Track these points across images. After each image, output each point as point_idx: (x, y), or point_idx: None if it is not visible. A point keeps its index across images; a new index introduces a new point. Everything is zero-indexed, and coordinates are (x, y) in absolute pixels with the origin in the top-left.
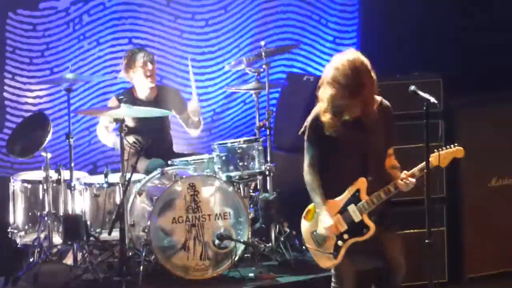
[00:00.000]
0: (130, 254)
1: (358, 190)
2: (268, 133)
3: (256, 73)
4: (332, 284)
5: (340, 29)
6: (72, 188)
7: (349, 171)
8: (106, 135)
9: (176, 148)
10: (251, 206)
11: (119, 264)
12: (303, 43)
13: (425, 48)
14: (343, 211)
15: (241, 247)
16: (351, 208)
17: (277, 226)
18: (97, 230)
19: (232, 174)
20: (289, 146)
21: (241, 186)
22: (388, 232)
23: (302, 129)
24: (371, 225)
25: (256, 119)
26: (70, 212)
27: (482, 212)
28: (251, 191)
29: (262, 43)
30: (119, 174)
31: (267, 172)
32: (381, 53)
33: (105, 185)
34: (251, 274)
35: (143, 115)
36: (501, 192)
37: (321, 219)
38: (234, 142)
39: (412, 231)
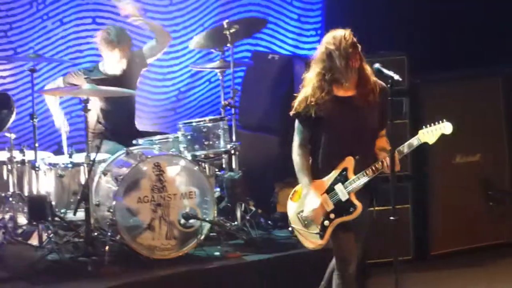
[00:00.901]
0: (96, 234)
1: (345, 169)
2: (233, 112)
3: (221, 52)
4: (336, 278)
5: (304, 7)
6: (37, 169)
7: (337, 150)
8: (59, 114)
9: (141, 127)
10: (217, 185)
11: (84, 244)
12: (268, 21)
13: (390, 26)
14: (330, 190)
15: (206, 226)
16: (338, 187)
17: (243, 205)
18: (62, 211)
19: (198, 153)
20: (254, 125)
21: (206, 165)
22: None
23: (292, 111)
24: (358, 204)
25: (221, 98)
26: (35, 192)
27: (447, 189)
28: (216, 170)
29: (225, 22)
30: (84, 154)
31: (232, 151)
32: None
33: (69, 165)
34: (217, 253)
35: (109, 95)
36: (465, 169)
37: (308, 200)
38: (200, 121)
39: (378, 208)
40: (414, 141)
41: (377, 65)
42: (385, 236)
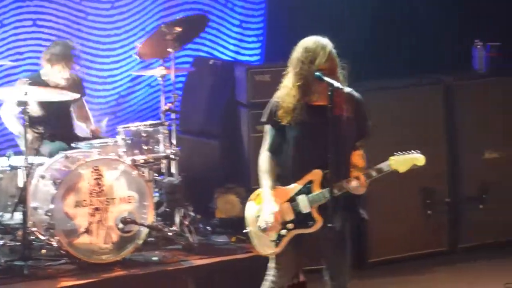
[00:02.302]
0: (33, 237)
1: (311, 182)
2: (173, 117)
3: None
4: (270, 278)
5: (246, 13)
6: None
7: (307, 160)
8: (15, 123)
9: (80, 133)
10: (156, 190)
11: (21, 248)
12: (209, 26)
13: (331, 34)
14: (292, 200)
15: (145, 231)
16: (301, 198)
17: (182, 210)
18: (0, 214)
19: (137, 157)
20: (195, 130)
21: (146, 170)
22: (339, 233)
23: (264, 117)
24: (319, 219)
25: (162, 102)
26: None
27: (385, 197)
28: (156, 175)
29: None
30: (22, 157)
31: (172, 156)
32: (287, 38)
33: (7, 168)
34: (155, 258)
35: (50, 99)
36: (404, 177)
37: (265, 205)
38: (139, 126)
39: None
40: (384, 167)
41: (318, 73)
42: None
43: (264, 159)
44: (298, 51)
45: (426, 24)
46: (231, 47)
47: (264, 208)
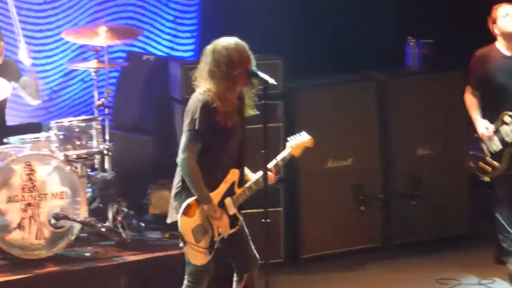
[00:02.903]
0: None
1: (233, 183)
2: (106, 112)
3: (95, 51)
4: (193, 280)
5: (180, 9)
6: None
7: (227, 162)
8: None
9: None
10: (89, 185)
11: None
12: (143, 22)
13: (265, 30)
14: (221, 204)
15: (77, 226)
16: (228, 201)
17: (115, 205)
18: None
19: (70, 153)
20: (128, 126)
21: (78, 165)
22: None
23: (198, 123)
24: (240, 217)
25: (95, 98)
26: None
27: (318, 193)
28: (89, 170)
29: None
30: None
31: (105, 152)
32: (221, 34)
33: None
34: (88, 254)
35: None
36: (337, 174)
37: (218, 216)
38: (72, 121)
39: (250, 211)
40: (288, 156)
41: (252, 68)
42: (257, 239)
43: (192, 167)
44: (225, 54)
45: (361, 21)
46: (165, 43)
47: (219, 219)
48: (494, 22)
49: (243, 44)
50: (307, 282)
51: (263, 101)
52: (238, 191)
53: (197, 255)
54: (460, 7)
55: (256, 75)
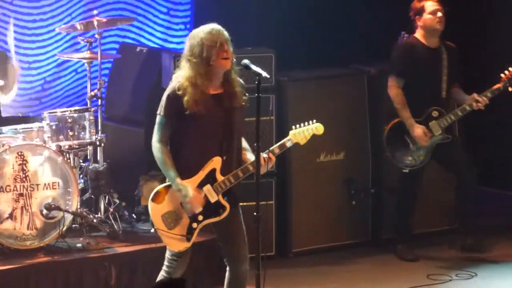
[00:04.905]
0: None
1: (213, 170)
2: (99, 103)
3: (88, 43)
4: (166, 269)
5: (174, 0)
6: None
7: (205, 149)
8: None
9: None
10: (81, 176)
11: None
12: (136, 13)
13: (258, 23)
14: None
15: (69, 217)
16: (207, 188)
17: (107, 197)
18: None
19: (62, 143)
20: (120, 117)
21: (71, 156)
22: (234, 209)
23: (162, 107)
24: (227, 205)
25: (88, 89)
26: None
27: (310, 187)
28: (81, 161)
29: (95, 12)
30: None
31: (97, 143)
32: None
33: None
34: (79, 245)
35: None
36: (329, 168)
37: (184, 194)
38: (65, 111)
39: (241, 204)
40: (287, 143)
41: (245, 61)
42: (249, 232)
43: (160, 152)
44: (197, 40)
45: (353, 15)
46: (158, 35)
47: (184, 198)
48: (419, 14)
49: (219, 28)
50: (298, 275)
51: (256, 94)
52: (220, 178)
53: (171, 242)
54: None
55: (249, 68)
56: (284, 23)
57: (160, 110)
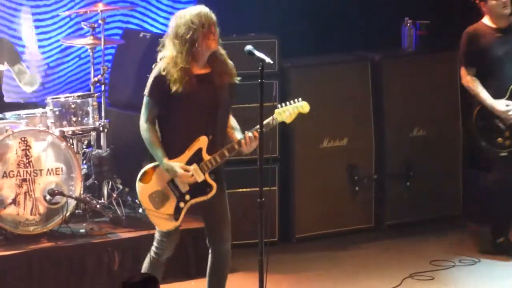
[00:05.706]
0: None
1: (200, 149)
2: (103, 89)
3: (91, 28)
4: (154, 250)
5: None
6: None
7: (191, 129)
8: None
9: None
10: (84, 162)
11: None
12: None
13: (262, 8)
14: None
15: (72, 203)
16: (193, 167)
17: (110, 182)
18: None
19: (65, 129)
20: (123, 103)
21: (74, 142)
22: (220, 189)
23: (148, 88)
24: (214, 184)
25: (91, 74)
26: None
27: (313, 173)
28: (84, 147)
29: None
30: None
31: (101, 128)
32: (218, 13)
33: None
34: (82, 230)
35: None
36: (332, 154)
37: (172, 171)
38: (68, 97)
39: (244, 190)
40: (271, 121)
41: (249, 47)
42: (252, 218)
43: (147, 131)
44: (184, 21)
45: (355, 2)
46: (162, 20)
47: (174, 177)
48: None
49: (207, 11)
50: (301, 261)
51: (259, 80)
52: (207, 157)
53: (160, 222)
54: None
55: (253, 54)
56: (287, 9)
57: (146, 90)
